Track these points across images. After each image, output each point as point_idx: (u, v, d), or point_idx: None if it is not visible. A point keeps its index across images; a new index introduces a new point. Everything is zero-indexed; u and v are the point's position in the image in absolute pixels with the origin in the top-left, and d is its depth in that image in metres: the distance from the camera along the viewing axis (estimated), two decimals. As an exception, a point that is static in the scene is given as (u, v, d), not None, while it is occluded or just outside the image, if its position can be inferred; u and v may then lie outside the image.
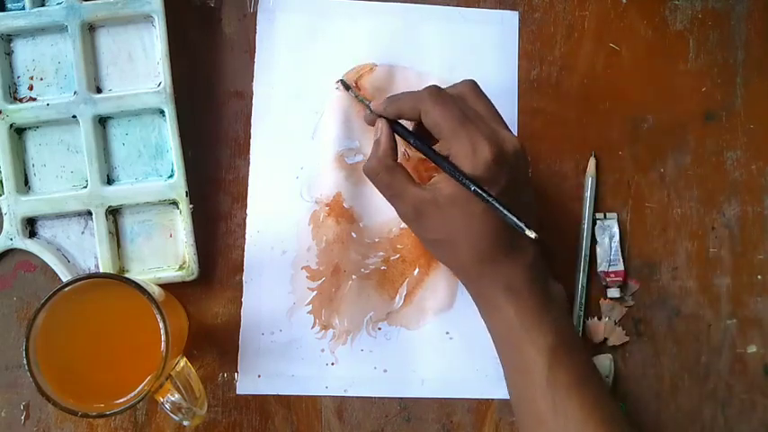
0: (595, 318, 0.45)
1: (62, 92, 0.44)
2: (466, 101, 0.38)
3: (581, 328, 0.45)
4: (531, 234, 0.34)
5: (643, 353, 0.46)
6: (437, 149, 0.38)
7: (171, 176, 0.43)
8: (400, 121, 0.40)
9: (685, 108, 0.47)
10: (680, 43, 0.48)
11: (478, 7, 0.47)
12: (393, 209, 0.46)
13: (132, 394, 0.36)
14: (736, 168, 0.47)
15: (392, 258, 0.45)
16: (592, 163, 0.46)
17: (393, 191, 0.38)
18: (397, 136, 0.40)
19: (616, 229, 0.46)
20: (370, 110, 0.41)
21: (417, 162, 0.46)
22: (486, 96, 0.39)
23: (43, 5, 0.43)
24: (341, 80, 0.45)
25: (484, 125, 0.37)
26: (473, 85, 0.39)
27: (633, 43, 0.47)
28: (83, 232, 0.44)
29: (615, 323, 0.45)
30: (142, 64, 0.44)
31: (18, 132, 0.44)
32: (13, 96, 0.44)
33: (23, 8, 0.43)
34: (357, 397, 0.44)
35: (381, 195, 0.46)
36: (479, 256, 0.38)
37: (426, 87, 0.38)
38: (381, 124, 0.39)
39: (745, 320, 0.46)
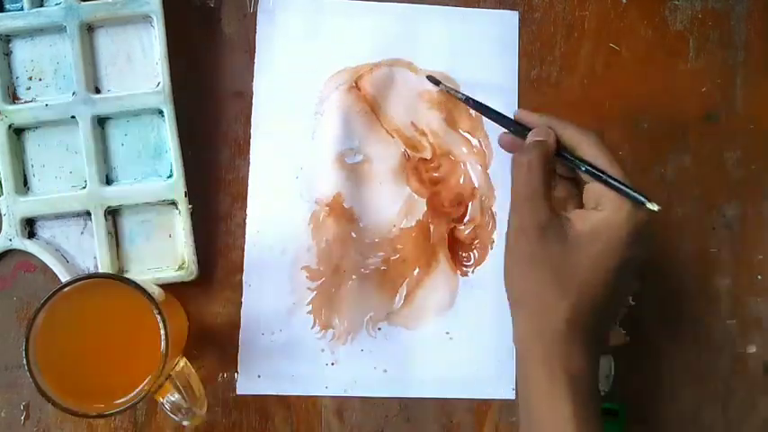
0: (595, 318, 0.45)
1: (61, 92, 0.44)
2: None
3: (581, 329, 0.45)
4: (655, 207, 0.32)
5: (643, 353, 0.46)
6: (585, 193, 0.35)
7: (170, 177, 0.43)
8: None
9: (685, 108, 0.47)
10: (680, 43, 0.48)
11: (478, 7, 0.47)
12: (395, 209, 0.46)
13: (132, 394, 0.36)
14: (736, 168, 0.47)
15: (392, 258, 0.45)
16: (592, 163, 0.46)
17: (531, 194, 0.33)
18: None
19: (616, 229, 0.46)
20: (516, 126, 0.37)
21: (418, 162, 0.46)
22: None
23: (42, 6, 0.43)
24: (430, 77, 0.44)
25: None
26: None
27: (633, 43, 0.47)
28: (82, 233, 0.44)
29: (615, 323, 0.45)
30: (141, 64, 0.44)
31: (17, 133, 0.43)
32: (12, 97, 0.43)
33: (22, 8, 0.43)
34: (357, 397, 0.44)
35: (380, 195, 0.46)
36: (575, 317, 0.32)
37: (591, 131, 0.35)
38: (546, 130, 0.35)
39: (745, 320, 0.46)
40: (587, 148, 0.34)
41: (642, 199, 0.32)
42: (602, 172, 0.34)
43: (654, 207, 0.32)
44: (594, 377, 0.33)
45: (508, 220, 0.34)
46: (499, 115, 0.39)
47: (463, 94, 0.42)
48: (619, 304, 0.34)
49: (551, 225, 0.33)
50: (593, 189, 0.34)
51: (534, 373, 0.33)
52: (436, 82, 0.44)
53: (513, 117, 0.38)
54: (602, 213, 0.33)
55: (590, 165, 0.34)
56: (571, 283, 0.32)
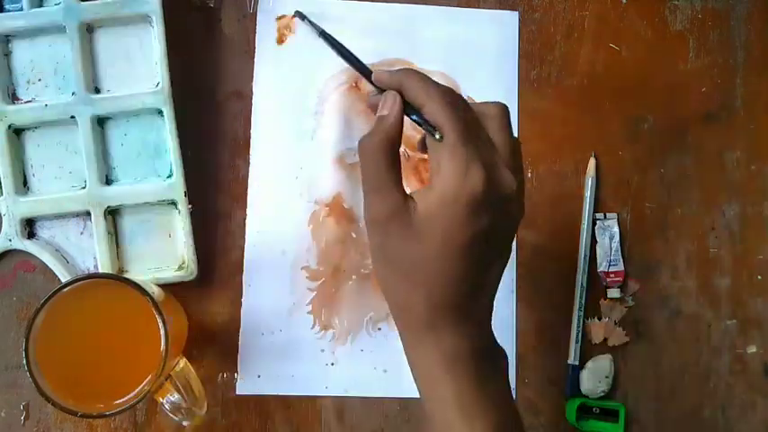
0: (595, 318, 0.45)
1: (60, 92, 0.44)
2: (486, 123, 0.32)
3: (581, 329, 0.45)
4: (437, 135, 0.30)
5: (643, 353, 0.46)
6: (429, 159, 0.32)
7: (170, 177, 0.43)
8: None
9: (685, 108, 0.47)
10: (680, 43, 0.48)
11: (478, 7, 0.47)
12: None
13: (132, 394, 0.36)
14: (736, 168, 0.47)
15: (392, 258, 0.45)
16: (592, 163, 0.46)
17: (378, 182, 0.31)
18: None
19: (616, 229, 0.46)
20: (371, 82, 0.34)
21: (418, 162, 0.46)
22: (510, 129, 0.32)
23: (41, 6, 0.43)
24: (298, 12, 0.40)
25: (488, 154, 0.31)
26: (501, 109, 0.32)
27: (633, 43, 0.47)
28: (82, 233, 0.44)
29: (615, 323, 0.45)
30: (140, 64, 0.44)
31: (17, 133, 0.43)
32: (12, 97, 0.43)
33: (21, 9, 0.43)
34: (357, 397, 0.44)
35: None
36: (434, 306, 0.31)
37: (443, 86, 0.32)
38: (392, 100, 0.32)
39: (745, 320, 0.46)
40: (430, 106, 0.31)
41: (434, 132, 0.30)
42: (428, 124, 0.31)
43: (437, 135, 0.30)
44: (481, 351, 0.32)
45: (363, 210, 0.32)
46: (362, 66, 0.35)
47: (320, 29, 0.37)
48: (488, 273, 0.31)
49: (397, 214, 0.30)
50: (430, 159, 0.31)
51: (414, 361, 0.32)
52: (302, 16, 0.39)
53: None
54: (435, 190, 0.30)
55: (426, 122, 0.31)
56: (421, 273, 0.30)
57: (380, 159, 0.31)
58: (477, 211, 0.30)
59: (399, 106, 0.32)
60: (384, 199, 0.31)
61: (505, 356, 0.33)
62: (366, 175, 0.32)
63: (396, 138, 0.32)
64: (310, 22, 0.38)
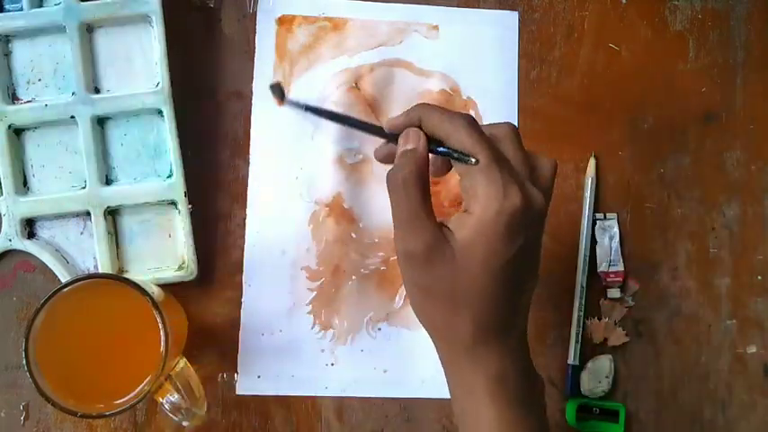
0: (595, 318, 0.45)
1: (60, 92, 0.44)
2: (500, 144, 0.32)
3: (581, 329, 0.45)
4: (472, 160, 0.30)
5: (643, 353, 0.46)
6: (462, 192, 0.32)
7: (170, 177, 0.43)
8: None
9: (685, 108, 0.47)
10: (680, 43, 0.48)
11: (478, 7, 0.47)
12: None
13: (132, 394, 0.36)
14: (736, 168, 0.47)
15: (392, 258, 0.45)
16: (591, 163, 0.46)
17: (411, 214, 0.31)
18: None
19: (616, 230, 0.46)
20: (384, 134, 0.34)
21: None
22: (522, 146, 0.33)
23: (41, 6, 0.43)
24: (275, 84, 0.40)
25: (516, 173, 0.32)
26: (512, 129, 0.33)
27: (633, 43, 0.47)
28: (81, 233, 0.44)
29: (615, 323, 0.45)
30: (140, 64, 0.44)
31: (17, 133, 0.43)
32: (12, 97, 0.43)
33: (22, 8, 0.43)
34: (357, 397, 0.44)
35: (380, 196, 0.46)
36: (478, 328, 0.32)
37: (460, 113, 0.33)
38: (416, 133, 0.33)
39: (745, 321, 0.46)
40: (456, 134, 0.32)
41: (470, 159, 0.31)
42: (459, 152, 0.31)
43: (472, 160, 0.31)
44: (521, 372, 0.33)
45: (394, 242, 0.32)
46: (365, 125, 0.36)
47: (307, 106, 0.37)
48: (524, 291, 0.33)
49: (435, 245, 0.31)
50: (464, 187, 0.32)
51: (456, 385, 0.33)
52: (280, 93, 0.40)
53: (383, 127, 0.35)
54: (473, 216, 0.31)
55: (457, 151, 0.32)
56: (464, 299, 0.31)
57: (413, 192, 0.31)
58: (515, 230, 0.31)
59: (425, 138, 0.32)
60: (420, 232, 0.31)
61: (541, 379, 0.34)
62: (398, 209, 0.32)
63: (425, 169, 0.32)
64: (292, 102, 0.39)
